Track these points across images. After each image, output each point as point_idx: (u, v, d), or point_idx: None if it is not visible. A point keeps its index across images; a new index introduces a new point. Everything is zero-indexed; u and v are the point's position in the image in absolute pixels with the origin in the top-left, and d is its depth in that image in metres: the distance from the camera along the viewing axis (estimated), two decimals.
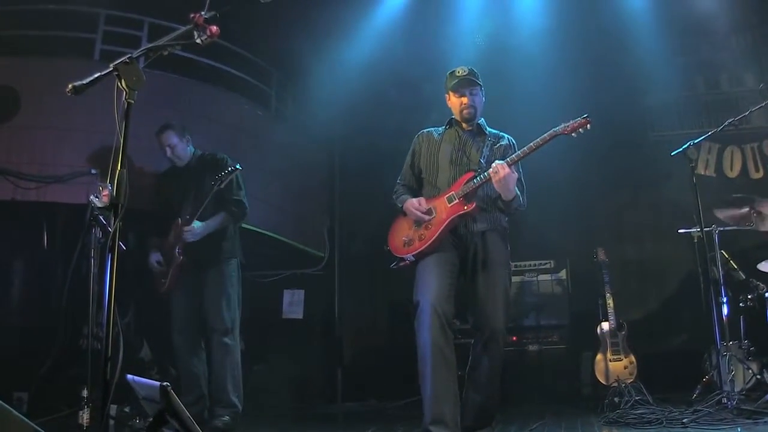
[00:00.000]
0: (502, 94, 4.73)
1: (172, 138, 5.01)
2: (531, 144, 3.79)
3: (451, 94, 4.09)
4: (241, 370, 4.91)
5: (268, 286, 7.35)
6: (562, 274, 6.56)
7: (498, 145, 4.06)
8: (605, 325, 5.68)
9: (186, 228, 4.76)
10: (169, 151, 5.01)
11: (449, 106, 4.16)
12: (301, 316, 7.57)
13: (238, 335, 4.96)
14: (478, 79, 4.06)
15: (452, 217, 3.86)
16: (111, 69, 2.35)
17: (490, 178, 3.77)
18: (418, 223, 3.96)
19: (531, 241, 6.75)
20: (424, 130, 4.28)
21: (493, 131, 4.16)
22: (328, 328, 7.85)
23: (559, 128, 3.77)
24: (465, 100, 4.03)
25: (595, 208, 7.29)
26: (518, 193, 3.91)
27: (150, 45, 2.48)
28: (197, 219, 4.77)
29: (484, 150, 4.01)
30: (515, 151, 4.02)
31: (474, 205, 3.84)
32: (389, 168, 4.46)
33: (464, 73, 4.03)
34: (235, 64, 6.57)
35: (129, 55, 2.40)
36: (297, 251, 7.17)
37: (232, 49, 6.44)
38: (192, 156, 5.11)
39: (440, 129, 4.22)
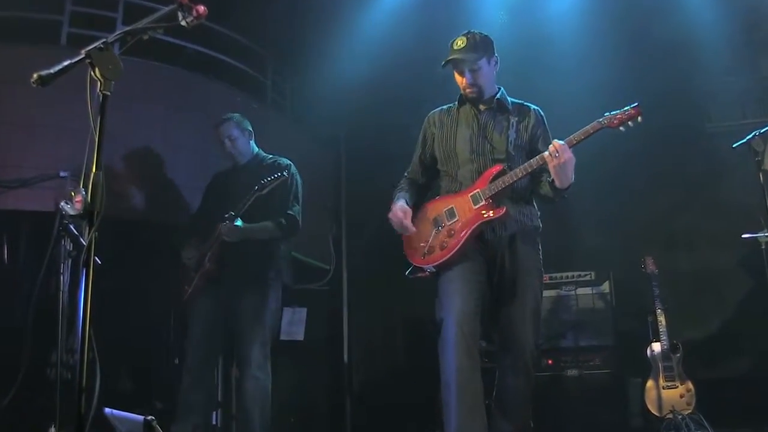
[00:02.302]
0: (529, 78, 4.70)
1: (232, 130, 5.19)
2: (571, 138, 3.68)
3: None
4: (270, 401, 4.97)
5: None
6: (605, 287, 6.51)
7: (523, 123, 4.01)
8: (656, 347, 5.64)
9: (227, 225, 4.78)
10: (228, 144, 5.18)
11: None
12: (302, 338, 7.55)
13: (270, 367, 5.00)
14: (476, 51, 3.91)
15: (479, 223, 3.83)
16: (83, 56, 2.35)
17: (543, 164, 3.69)
18: (438, 223, 3.93)
19: (568, 249, 6.72)
20: (435, 111, 4.24)
21: (516, 102, 4.10)
22: (335, 352, 7.83)
23: (605, 119, 3.68)
24: (462, 80, 3.98)
25: (642, 210, 7.24)
26: None
27: (128, 28, 2.49)
28: (240, 218, 4.81)
29: (509, 133, 3.94)
30: (545, 127, 4.01)
31: (504, 210, 3.79)
32: (404, 165, 4.45)
33: (461, 46, 3.91)
34: (226, 50, 6.58)
35: (103, 40, 2.40)
36: (298, 263, 7.16)
37: (222, 32, 6.44)
38: (254, 156, 5.27)
39: (452, 105, 4.17)
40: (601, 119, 3.69)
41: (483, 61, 3.95)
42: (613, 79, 6.39)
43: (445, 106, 4.21)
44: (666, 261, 6.23)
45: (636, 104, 3.66)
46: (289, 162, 5.21)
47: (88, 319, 2.21)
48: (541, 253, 4.02)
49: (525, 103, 4.11)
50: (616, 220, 7.08)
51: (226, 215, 4.77)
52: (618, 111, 3.68)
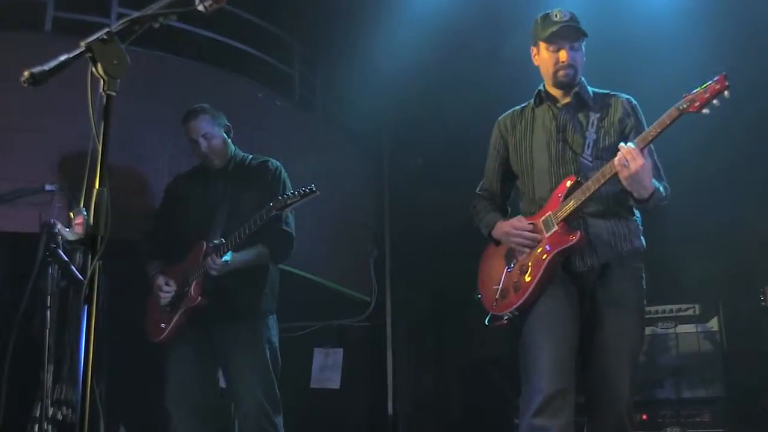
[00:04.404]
0: (611, 55, 4.63)
1: (206, 126, 5.03)
2: (645, 134, 3.62)
3: (542, 46, 4.02)
4: None
5: (293, 344, 7.37)
6: (713, 324, 6.44)
7: (608, 118, 3.98)
8: None
9: (213, 260, 4.68)
10: (203, 144, 5.02)
11: (536, 63, 4.11)
12: (338, 386, 7.57)
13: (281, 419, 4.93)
14: (580, 26, 3.97)
15: (553, 254, 3.77)
16: (83, 49, 2.38)
17: (614, 173, 3.61)
18: (510, 258, 3.92)
19: (665, 275, 6.63)
20: (505, 114, 4.26)
21: (600, 92, 4.09)
22: (377, 403, 7.85)
23: (683, 103, 3.54)
24: (563, 55, 3.95)
25: (759, 225, 7.12)
26: (656, 185, 3.73)
27: (135, 15, 2.50)
28: (232, 249, 4.72)
29: (587, 134, 3.92)
30: (638, 118, 3.96)
31: (579, 235, 3.73)
32: (462, 173, 4.44)
33: (564, 18, 3.94)
34: (244, 37, 6.65)
35: (107, 30, 2.41)
36: (332, 294, 7.19)
37: (239, 16, 6.51)
38: (231, 157, 5.16)
39: (526, 105, 4.18)
40: (679, 103, 3.55)
41: (582, 43, 4.00)
42: (714, 56, 6.30)
43: (517, 107, 4.22)
44: None
45: (720, 76, 3.49)
46: (278, 163, 5.13)
47: (90, 365, 2.23)
48: (644, 281, 3.96)
49: (611, 93, 4.08)
50: (726, 239, 6.98)
51: (216, 242, 4.69)
52: (698, 88, 3.52)
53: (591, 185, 3.69)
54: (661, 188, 3.76)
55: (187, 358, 4.93)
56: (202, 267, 4.75)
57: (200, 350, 4.93)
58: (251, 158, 5.19)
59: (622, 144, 3.59)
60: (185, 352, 4.93)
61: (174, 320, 4.87)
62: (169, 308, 4.90)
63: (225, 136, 5.12)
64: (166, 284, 4.92)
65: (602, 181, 3.67)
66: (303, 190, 4.62)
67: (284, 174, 5.09)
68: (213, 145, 5.05)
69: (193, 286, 4.80)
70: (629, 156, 3.52)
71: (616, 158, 3.57)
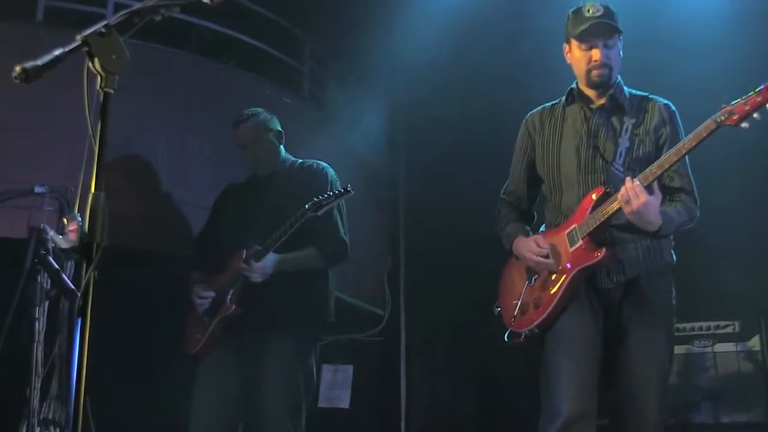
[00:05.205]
0: (648, 52, 4.59)
1: (255, 131, 5.11)
2: (679, 146, 3.61)
3: (573, 44, 4.01)
4: None
5: None
6: (754, 342, 6.42)
7: (643, 125, 3.97)
8: None
9: (252, 263, 4.74)
10: (251, 150, 5.12)
11: (569, 62, 4.10)
12: (347, 405, 7.56)
13: None
14: (615, 21, 3.95)
15: (575, 271, 3.77)
16: (79, 43, 2.38)
17: (619, 208, 3.63)
18: (532, 272, 3.93)
19: (701, 290, 6.62)
20: (534, 111, 4.26)
21: (637, 95, 4.09)
22: (389, 424, 7.85)
23: (721, 115, 3.52)
24: (596, 54, 3.93)
25: None
26: (671, 215, 3.76)
27: (136, 6, 2.50)
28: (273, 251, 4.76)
29: (620, 141, 3.91)
30: (674, 127, 3.94)
31: (605, 252, 3.72)
32: (481, 175, 4.44)
33: (597, 13, 3.92)
34: (250, 29, 6.66)
35: (105, 23, 2.41)
36: (343, 307, 7.17)
37: (247, 8, 6.53)
38: (281, 164, 5.20)
39: (557, 102, 4.18)
40: (716, 115, 3.52)
41: (618, 39, 3.98)
42: (756, 55, 6.28)
43: (548, 104, 4.22)
44: None
45: (763, 87, 3.44)
46: (325, 164, 5.18)
47: (83, 383, 2.23)
48: (674, 296, 3.95)
49: (649, 96, 4.08)
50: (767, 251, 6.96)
51: (253, 251, 4.73)
52: (738, 100, 3.49)
53: (615, 204, 3.67)
54: (676, 218, 3.79)
55: (222, 373, 4.91)
56: (241, 274, 4.80)
57: (236, 366, 4.90)
58: (299, 162, 5.24)
59: (627, 179, 3.61)
60: (220, 362, 4.91)
61: (209, 331, 4.90)
62: (206, 319, 4.94)
63: (276, 142, 5.19)
64: (204, 291, 4.97)
65: (616, 208, 3.67)
66: (338, 191, 4.73)
67: (331, 175, 5.14)
68: (262, 151, 5.14)
69: (230, 295, 4.84)
70: (632, 193, 3.56)
71: (619, 194, 3.61)
